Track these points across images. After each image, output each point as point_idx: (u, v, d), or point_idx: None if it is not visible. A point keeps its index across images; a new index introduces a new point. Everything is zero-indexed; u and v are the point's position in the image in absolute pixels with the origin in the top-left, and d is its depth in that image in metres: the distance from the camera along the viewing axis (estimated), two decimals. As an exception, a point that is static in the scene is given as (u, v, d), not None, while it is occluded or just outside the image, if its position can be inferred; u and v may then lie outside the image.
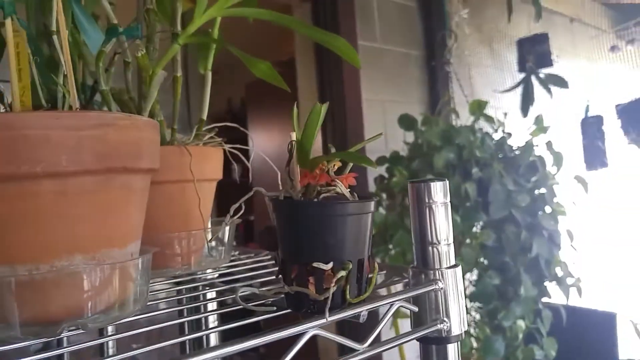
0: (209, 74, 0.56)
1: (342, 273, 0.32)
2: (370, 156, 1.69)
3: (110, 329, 0.61)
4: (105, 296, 0.35)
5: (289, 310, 0.35)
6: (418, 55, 2.02)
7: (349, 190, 0.36)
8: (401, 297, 0.37)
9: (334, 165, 0.36)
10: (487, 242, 1.47)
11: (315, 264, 0.33)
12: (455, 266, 0.41)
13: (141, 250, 0.40)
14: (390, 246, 1.50)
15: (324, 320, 0.31)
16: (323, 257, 0.33)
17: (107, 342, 0.67)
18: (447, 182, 0.42)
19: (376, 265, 0.35)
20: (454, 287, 0.41)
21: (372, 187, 1.70)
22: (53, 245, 0.32)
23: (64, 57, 0.37)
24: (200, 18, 0.49)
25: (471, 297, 1.44)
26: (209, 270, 0.59)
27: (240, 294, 0.35)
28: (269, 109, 2.48)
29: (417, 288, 0.39)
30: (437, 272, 0.40)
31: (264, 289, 0.37)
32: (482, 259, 1.51)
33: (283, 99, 2.33)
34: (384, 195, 1.60)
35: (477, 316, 1.50)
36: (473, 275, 1.51)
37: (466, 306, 1.47)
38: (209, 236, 0.59)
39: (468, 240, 1.52)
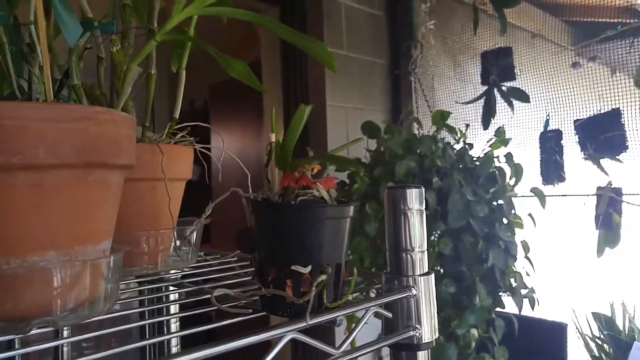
0: (183, 73, 0.56)
1: (322, 277, 0.32)
2: (333, 162, 1.64)
3: (65, 331, 0.59)
4: (76, 294, 0.34)
5: (263, 313, 0.35)
6: (383, 64, 2.06)
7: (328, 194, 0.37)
8: (376, 302, 0.38)
9: (312, 169, 0.37)
10: (444, 251, 1.50)
11: (293, 267, 0.33)
12: (428, 273, 0.43)
13: (112, 248, 0.39)
14: (348, 252, 1.51)
15: (304, 324, 0.32)
16: (301, 261, 0.34)
17: (61, 344, 0.65)
18: (423, 189, 0.43)
19: (355, 270, 0.36)
20: (427, 294, 0.42)
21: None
22: (27, 240, 0.31)
23: (40, 48, 0.36)
24: (178, 15, 0.48)
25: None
26: (172, 271, 0.58)
27: (215, 295, 0.34)
28: (232, 111, 2.45)
29: (391, 294, 0.40)
30: (410, 278, 0.41)
31: (237, 290, 0.37)
32: (438, 267, 1.55)
33: (246, 101, 2.32)
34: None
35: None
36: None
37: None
38: (181, 235, 0.58)
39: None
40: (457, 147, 1.65)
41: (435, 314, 0.41)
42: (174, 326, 0.68)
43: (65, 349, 0.65)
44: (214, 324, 0.34)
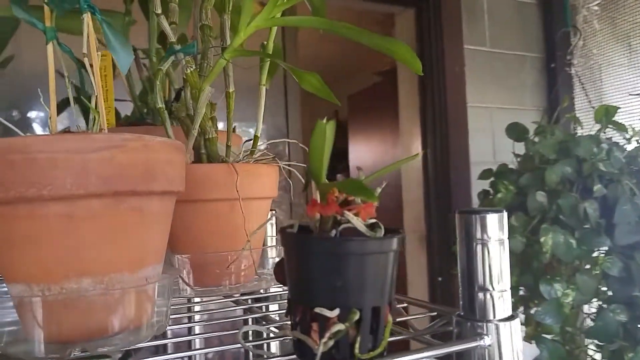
0: (263, 89, 0.54)
1: (338, 327, 0.27)
2: (475, 169, 1.58)
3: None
4: (115, 320, 0.34)
5: (294, 356, 0.31)
6: (535, 57, 1.84)
7: (367, 222, 0.31)
8: (432, 353, 0.31)
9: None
10: (610, 272, 1.28)
11: (317, 309, 0.29)
12: (511, 318, 0.34)
13: (162, 274, 0.39)
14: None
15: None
16: (328, 302, 0.29)
17: None
18: (505, 214, 0.35)
19: (390, 318, 0.29)
20: (509, 345, 0.33)
21: (475, 203, 1.58)
22: (62, 267, 0.32)
23: (94, 80, 0.38)
24: (245, 30, 0.47)
25: (589, 334, 1.27)
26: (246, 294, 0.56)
27: (244, 330, 0.31)
28: (369, 121, 2.44)
29: (455, 343, 0.33)
30: (485, 324, 0.33)
31: (274, 327, 0.33)
32: (604, 289, 1.32)
33: (383, 109, 2.28)
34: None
35: (598, 356, 1.31)
36: (592, 308, 1.32)
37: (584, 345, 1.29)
38: (268, 254, 0.57)
39: (587, 266, 1.34)
40: (629, 147, 1.39)
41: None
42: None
43: None
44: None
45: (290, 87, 1.52)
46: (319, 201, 0.30)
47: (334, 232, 0.32)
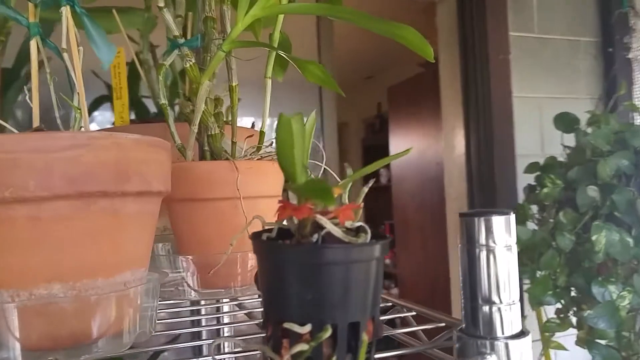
0: (268, 82, 0.51)
1: (301, 347, 0.24)
2: (522, 162, 1.49)
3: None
4: (91, 327, 0.32)
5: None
6: (589, 42, 1.72)
7: (352, 226, 0.28)
8: (423, 374, 0.28)
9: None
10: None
11: (286, 325, 0.25)
12: (521, 335, 0.30)
13: (148, 277, 0.37)
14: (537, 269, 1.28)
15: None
16: (300, 316, 0.26)
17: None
18: (513, 216, 0.31)
19: (365, 337, 0.26)
20: (517, 365, 0.29)
21: (522, 198, 1.49)
22: (31, 273, 0.31)
23: (75, 75, 0.36)
24: (242, 21, 0.44)
25: (647, 340, 1.17)
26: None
27: (216, 343, 0.29)
28: (410, 112, 2.36)
29: (453, 362, 0.29)
30: (490, 342, 0.29)
31: (241, 339, 0.31)
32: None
33: (424, 101, 2.20)
34: (534, 208, 1.38)
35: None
36: (651, 313, 1.21)
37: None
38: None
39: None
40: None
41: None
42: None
43: None
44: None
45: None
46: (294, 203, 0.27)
47: (315, 236, 0.29)
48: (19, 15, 0.37)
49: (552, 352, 1.38)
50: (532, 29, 1.65)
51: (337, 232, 0.27)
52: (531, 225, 1.39)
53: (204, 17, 0.51)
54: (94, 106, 1.04)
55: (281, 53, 0.46)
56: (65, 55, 0.36)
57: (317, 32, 1.49)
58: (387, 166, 2.91)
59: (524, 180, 1.50)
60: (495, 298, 0.30)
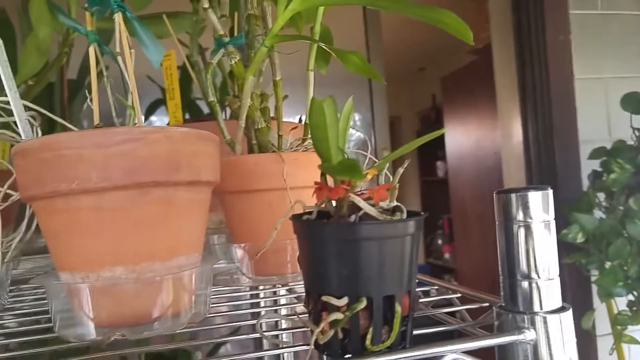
0: (310, 74, 0.53)
1: (336, 316, 0.25)
2: (585, 148, 1.44)
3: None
4: (151, 307, 0.35)
5: (306, 346, 0.29)
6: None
7: (388, 206, 0.29)
8: (459, 346, 0.28)
9: (366, 175, 0.29)
10: None
11: (324, 298, 0.27)
12: (561, 310, 0.30)
13: (202, 262, 0.39)
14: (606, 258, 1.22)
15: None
16: (337, 290, 0.27)
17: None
18: (550, 192, 0.30)
19: (398, 308, 0.27)
20: (558, 340, 0.29)
21: (585, 186, 1.42)
22: (97, 257, 0.34)
23: (128, 77, 0.39)
24: (283, 15, 0.46)
25: None
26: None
27: (264, 321, 0.31)
28: (465, 102, 2.30)
29: (490, 336, 0.29)
30: (529, 317, 0.29)
31: (293, 315, 0.32)
32: None
33: (479, 90, 2.14)
34: (601, 196, 1.32)
35: None
36: None
37: None
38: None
39: None
40: None
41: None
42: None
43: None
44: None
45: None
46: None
47: (353, 217, 0.30)
48: (78, 25, 0.41)
49: (624, 346, 1.31)
50: (595, 5, 1.57)
51: (370, 209, 0.28)
52: (597, 214, 1.32)
53: (246, 15, 0.53)
54: (150, 110, 1.11)
55: (321, 44, 0.48)
56: (119, 58, 0.39)
57: (364, 25, 1.49)
58: (444, 159, 2.85)
59: (588, 167, 1.44)
60: (533, 274, 0.30)
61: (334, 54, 0.48)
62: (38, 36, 0.72)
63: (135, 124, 0.39)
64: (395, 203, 0.31)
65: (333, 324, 0.26)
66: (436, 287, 0.44)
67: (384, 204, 0.31)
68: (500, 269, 0.31)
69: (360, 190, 0.31)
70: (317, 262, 0.28)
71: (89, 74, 0.41)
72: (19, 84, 0.74)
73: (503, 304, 0.31)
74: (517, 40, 1.61)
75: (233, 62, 0.50)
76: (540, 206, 0.30)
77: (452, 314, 0.39)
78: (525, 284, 0.30)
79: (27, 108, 0.45)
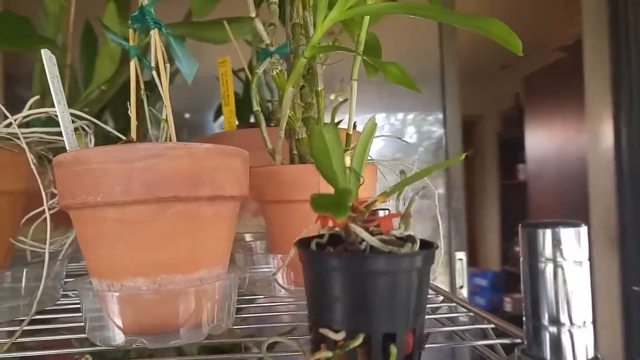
0: (354, 84, 0.51)
1: (325, 354, 0.24)
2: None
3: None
4: (172, 317, 0.36)
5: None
6: None
7: (401, 234, 0.27)
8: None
9: (374, 202, 0.28)
10: None
11: (322, 330, 0.26)
12: (594, 363, 0.26)
13: (227, 275, 0.40)
14: None
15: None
16: (336, 322, 0.26)
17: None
18: (585, 228, 0.27)
19: (394, 350, 0.25)
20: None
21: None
22: (121, 267, 0.35)
23: (162, 91, 0.40)
24: (322, 26, 0.45)
25: None
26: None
27: (269, 341, 0.30)
28: (549, 102, 2.13)
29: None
30: (554, 368, 0.26)
31: (300, 339, 0.31)
32: None
33: (565, 89, 1.97)
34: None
35: None
36: None
37: None
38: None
39: None
40: None
41: None
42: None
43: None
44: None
45: (447, 76, 1.43)
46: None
47: (364, 244, 0.29)
48: (122, 41, 0.43)
49: None
50: (703, -3, 1.39)
51: (372, 241, 0.26)
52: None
53: (291, 24, 0.53)
54: (219, 112, 1.14)
55: (364, 57, 0.46)
56: (153, 72, 0.40)
57: (439, 26, 1.43)
58: (524, 161, 2.69)
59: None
60: (563, 318, 0.27)
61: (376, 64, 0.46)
62: (110, 45, 0.77)
63: (173, 138, 0.40)
64: (408, 232, 0.29)
65: (329, 357, 0.25)
66: (472, 314, 0.41)
67: (396, 233, 0.29)
68: (523, 309, 0.28)
69: (376, 216, 0.29)
70: (317, 292, 0.27)
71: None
72: (93, 89, 0.80)
73: (525, 349, 0.28)
74: (612, 35, 1.47)
75: (275, 72, 0.50)
76: (572, 243, 0.27)
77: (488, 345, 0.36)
78: (553, 329, 0.27)
79: (81, 117, 0.48)
